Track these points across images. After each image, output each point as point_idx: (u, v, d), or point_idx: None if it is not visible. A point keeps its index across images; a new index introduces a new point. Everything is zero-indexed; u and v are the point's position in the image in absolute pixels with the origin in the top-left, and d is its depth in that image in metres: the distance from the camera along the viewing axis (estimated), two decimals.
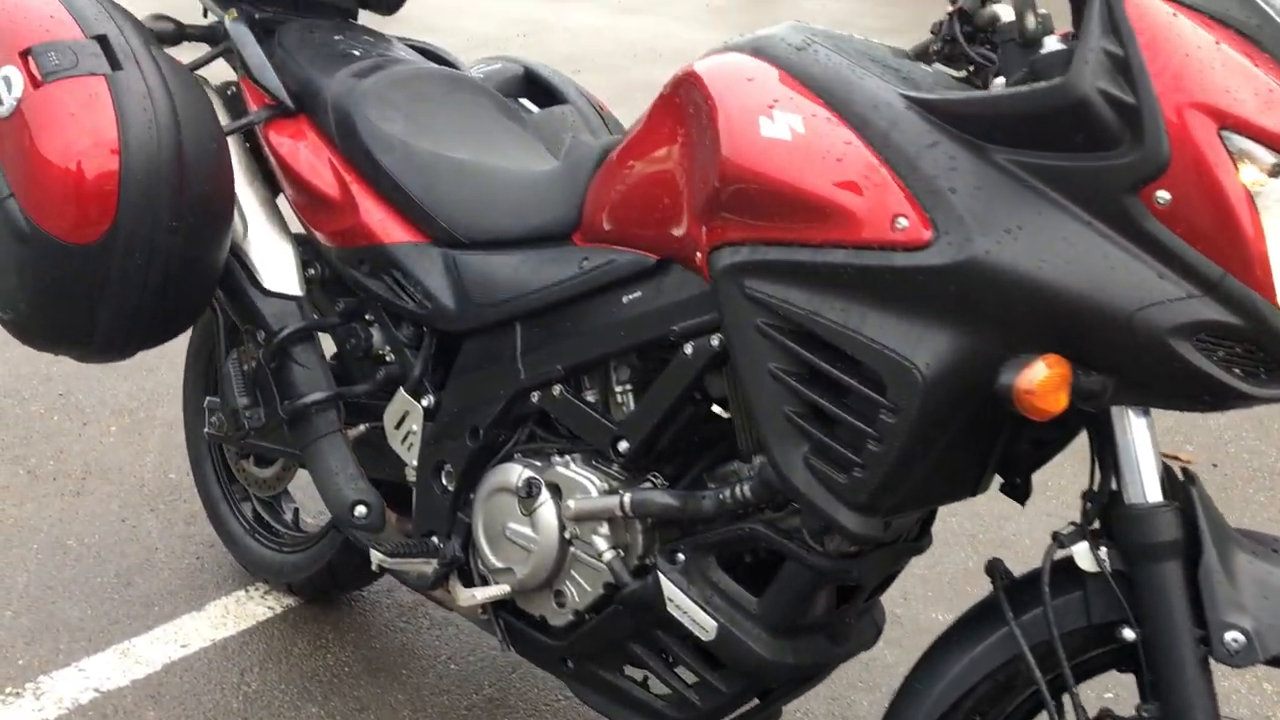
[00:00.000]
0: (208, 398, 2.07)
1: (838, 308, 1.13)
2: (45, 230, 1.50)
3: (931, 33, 1.46)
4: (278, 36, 1.88)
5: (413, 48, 2.04)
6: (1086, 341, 1.03)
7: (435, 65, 1.92)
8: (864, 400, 1.13)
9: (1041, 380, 1.01)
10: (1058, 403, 1.03)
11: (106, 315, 1.56)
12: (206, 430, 2.05)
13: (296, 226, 1.87)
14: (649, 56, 6.74)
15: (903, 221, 1.08)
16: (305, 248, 1.85)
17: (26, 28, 1.54)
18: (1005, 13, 1.34)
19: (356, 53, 1.88)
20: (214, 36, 1.95)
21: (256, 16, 1.90)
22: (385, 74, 1.77)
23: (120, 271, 1.53)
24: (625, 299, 1.42)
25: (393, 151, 1.69)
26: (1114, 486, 1.14)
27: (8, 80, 1.51)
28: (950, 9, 1.41)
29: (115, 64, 1.54)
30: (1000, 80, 1.20)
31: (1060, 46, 1.12)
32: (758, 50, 1.27)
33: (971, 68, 1.39)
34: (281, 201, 1.89)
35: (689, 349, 1.33)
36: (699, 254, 1.28)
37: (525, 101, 2.06)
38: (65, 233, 1.50)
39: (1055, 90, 1.02)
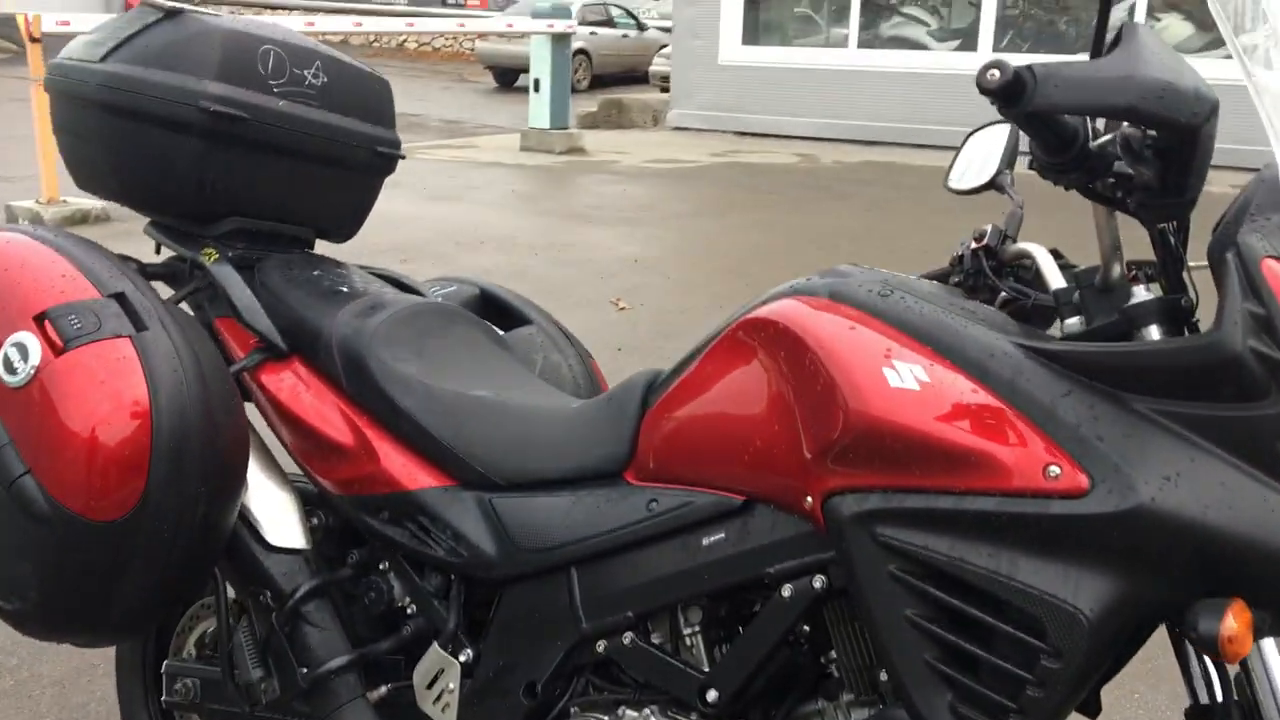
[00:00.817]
0: (165, 662, 1.88)
1: (985, 553, 1.16)
2: (68, 508, 1.36)
3: (950, 264, 1.58)
4: (257, 275, 1.82)
5: (375, 275, 2.01)
6: (1252, 581, 1.10)
7: (424, 299, 1.89)
8: (1019, 645, 1.15)
9: (1239, 627, 1.07)
10: (1247, 645, 1.09)
11: (125, 595, 1.42)
12: (166, 699, 1.86)
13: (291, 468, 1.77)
14: (472, 244, 6.82)
15: (1055, 470, 1.13)
16: (307, 495, 1.75)
17: (38, 289, 1.43)
18: (1037, 252, 1.47)
19: (344, 288, 1.83)
20: (176, 275, 1.87)
21: (229, 254, 1.83)
22: (387, 313, 1.74)
23: (147, 547, 1.40)
24: (705, 541, 1.41)
25: (413, 394, 1.64)
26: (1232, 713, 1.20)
27: (22, 348, 1.39)
28: (974, 245, 1.53)
29: (139, 324, 1.44)
30: (1073, 321, 1.30)
31: (1149, 295, 1.22)
32: (838, 296, 1.34)
33: (975, 286, 1.52)
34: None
35: (787, 591, 1.33)
36: (807, 498, 1.29)
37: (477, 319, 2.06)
38: (92, 509, 1.37)
39: (1205, 348, 1.10)
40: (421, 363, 1.68)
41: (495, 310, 2.10)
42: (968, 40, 11.02)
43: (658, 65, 18.71)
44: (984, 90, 1.07)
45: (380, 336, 1.69)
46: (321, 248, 2.07)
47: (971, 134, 1.79)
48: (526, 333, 2.05)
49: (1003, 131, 1.69)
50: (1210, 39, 9.95)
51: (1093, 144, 1.17)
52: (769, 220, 7.70)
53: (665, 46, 19.87)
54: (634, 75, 20.60)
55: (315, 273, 1.88)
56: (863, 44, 11.55)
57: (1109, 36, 1.14)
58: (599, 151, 11.01)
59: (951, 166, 1.78)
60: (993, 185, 1.67)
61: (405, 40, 24.00)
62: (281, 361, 1.74)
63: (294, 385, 1.71)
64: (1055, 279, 1.42)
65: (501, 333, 2.02)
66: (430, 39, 24.43)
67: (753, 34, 12.23)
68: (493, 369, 1.74)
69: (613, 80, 19.97)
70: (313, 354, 1.73)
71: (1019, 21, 10.86)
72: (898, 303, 1.30)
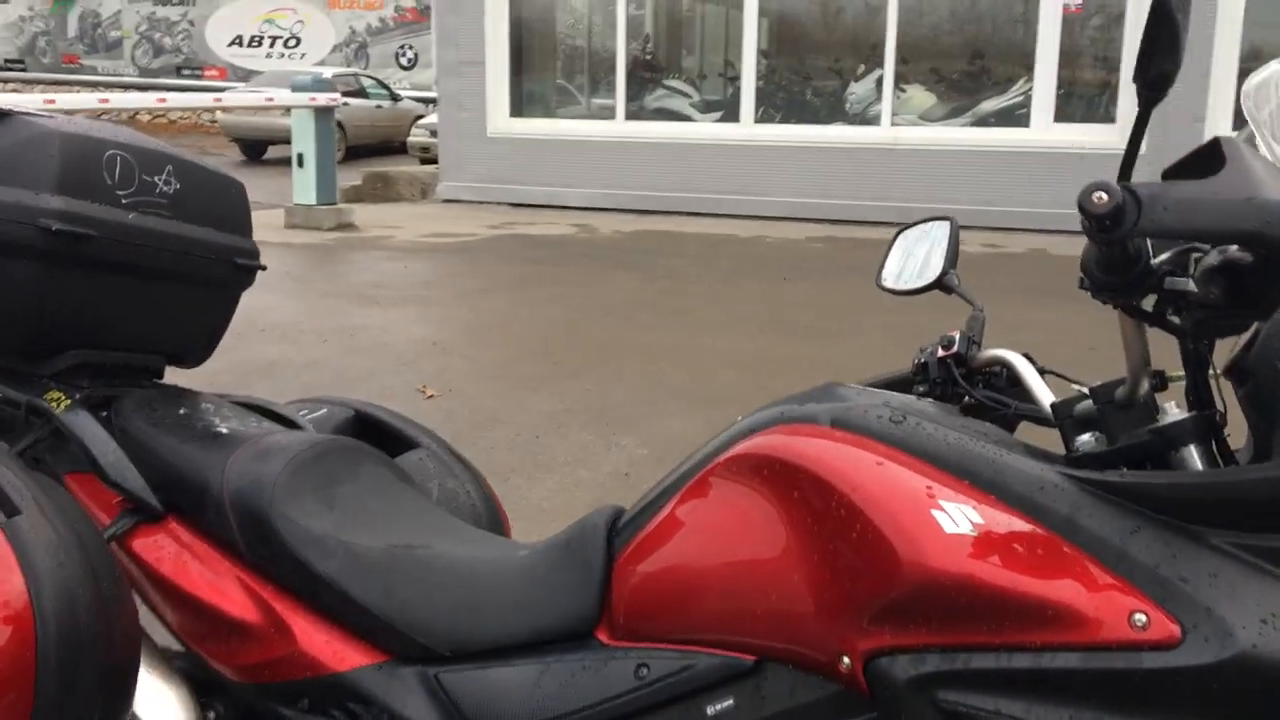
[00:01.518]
0: None
1: (1066, 715, 1.06)
2: None
3: (913, 371, 1.51)
4: (114, 420, 1.54)
5: (239, 405, 1.76)
6: None
7: (320, 436, 1.65)
8: None
9: None
10: None
11: None
12: None
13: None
14: (251, 333, 6.37)
15: (1141, 618, 1.04)
16: (199, 682, 1.47)
17: None
18: (1016, 361, 1.41)
19: (220, 428, 1.57)
20: (9, 423, 1.56)
21: (77, 397, 1.54)
22: (285, 458, 1.49)
23: None
24: (711, 709, 1.25)
25: (332, 555, 1.40)
26: None
27: None
28: (942, 353, 1.46)
29: (8, 507, 1.15)
30: (1087, 439, 1.23)
31: (1181, 414, 1.17)
32: (845, 423, 1.22)
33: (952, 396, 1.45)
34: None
35: None
36: (843, 659, 1.16)
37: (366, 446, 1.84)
38: None
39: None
40: (335, 516, 1.45)
41: (375, 434, 1.88)
42: (729, 111, 11.40)
43: (417, 136, 18.45)
44: (1089, 215, 0.98)
45: (282, 488, 1.45)
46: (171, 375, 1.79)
47: (902, 231, 1.74)
48: (416, 458, 1.85)
49: (941, 229, 1.64)
50: (952, 107, 10.70)
51: (1154, 261, 1.11)
52: (561, 294, 7.61)
53: (422, 117, 19.67)
54: (390, 146, 20.25)
55: (181, 411, 1.61)
56: (630, 115, 11.75)
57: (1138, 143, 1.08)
58: (370, 227, 10.65)
59: (884, 265, 1.72)
60: (940, 286, 1.61)
61: (137, 112, 22.71)
62: (156, 524, 1.47)
63: (177, 553, 1.44)
64: (1042, 391, 1.36)
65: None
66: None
67: (520, 106, 12.23)
68: (415, 515, 1.52)
69: (368, 151, 19.56)
70: (197, 513, 1.46)
71: (773, 94, 11.34)
72: (917, 430, 1.19)
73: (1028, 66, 10.09)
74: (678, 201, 11.18)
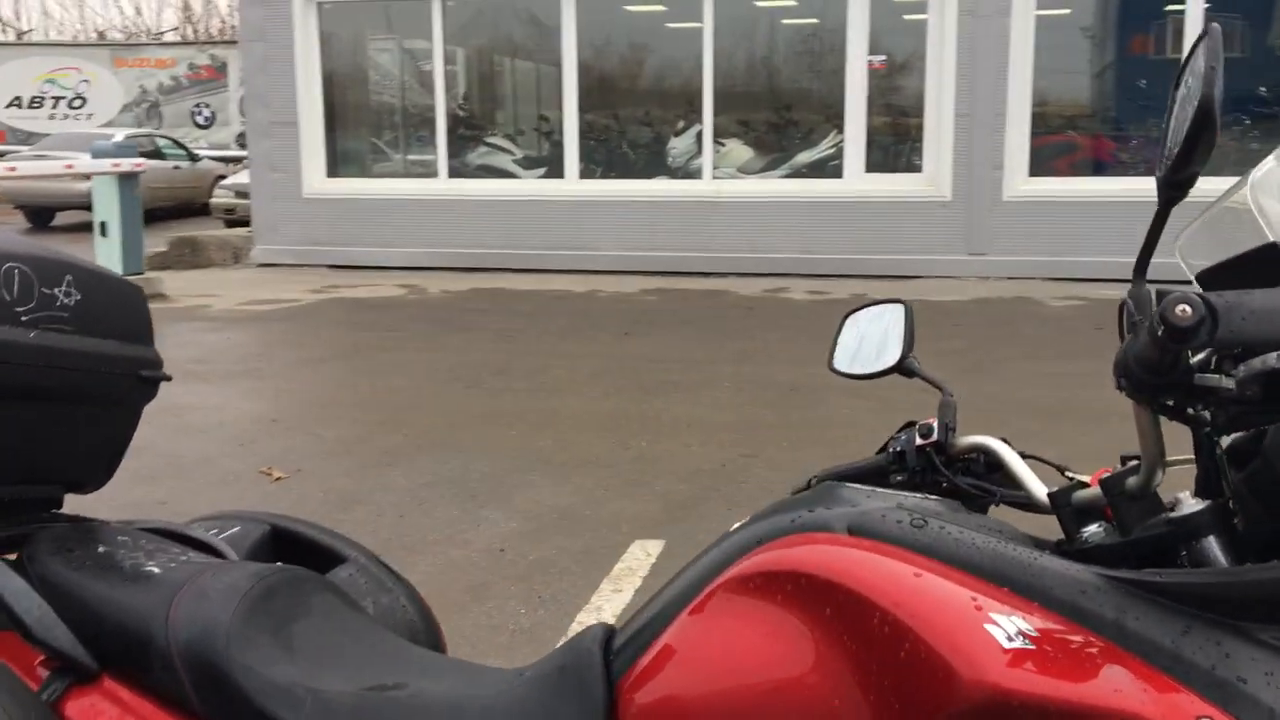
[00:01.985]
0: None
1: None
2: None
3: (887, 460, 1.49)
4: (29, 567, 1.36)
5: (149, 532, 1.59)
6: None
7: (257, 565, 1.50)
8: None
9: None
10: None
11: None
12: None
13: None
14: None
15: None
16: None
17: None
18: (1001, 449, 1.41)
19: (147, 566, 1.41)
20: None
21: None
22: (234, 599, 1.34)
23: None
24: None
25: (302, 707, 1.27)
26: None
27: None
28: (920, 442, 1.45)
29: None
30: (1095, 529, 1.23)
31: (1198, 504, 1.17)
32: (864, 530, 1.18)
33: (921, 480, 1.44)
34: None
35: None
36: None
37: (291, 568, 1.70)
38: None
39: None
40: (298, 660, 1.31)
41: (295, 550, 1.74)
42: (553, 167, 11.42)
43: (220, 197, 17.75)
44: (1175, 328, 0.97)
45: (237, 634, 1.30)
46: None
47: (851, 314, 1.73)
48: (346, 574, 1.71)
49: (894, 313, 1.64)
50: (769, 160, 11.03)
51: (1192, 360, 1.11)
52: (402, 359, 7.39)
53: (224, 177, 18.93)
54: (191, 208, 19.40)
55: (100, 549, 1.44)
56: (453, 173, 11.61)
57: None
58: (184, 296, 10.13)
59: (835, 348, 1.70)
60: (900, 370, 1.60)
61: None
62: (91, 684, 1.29)
63: (119, 717, 1.27)
64: (1030, 478, 1.36)
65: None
66: None
67: (336, 165, 11.92)
68: (382, 651, 1.39)
69: (166, 215, 18.65)
70: (138, 668, 1.29)
71: (596, 149, 11.43)
72: (943, 536, 1.16)
73: (839, 120, 10.51)
74: (506, 258, 11.09)
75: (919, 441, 1.44)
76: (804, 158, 10.84)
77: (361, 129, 12.13)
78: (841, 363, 1.66)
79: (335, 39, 11.81)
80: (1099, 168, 10.20)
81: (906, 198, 10.22)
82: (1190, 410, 1.13)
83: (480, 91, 12.38)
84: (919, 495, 1.27)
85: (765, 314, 8.85)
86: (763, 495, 4.61)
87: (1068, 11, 10.21)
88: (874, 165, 10.47)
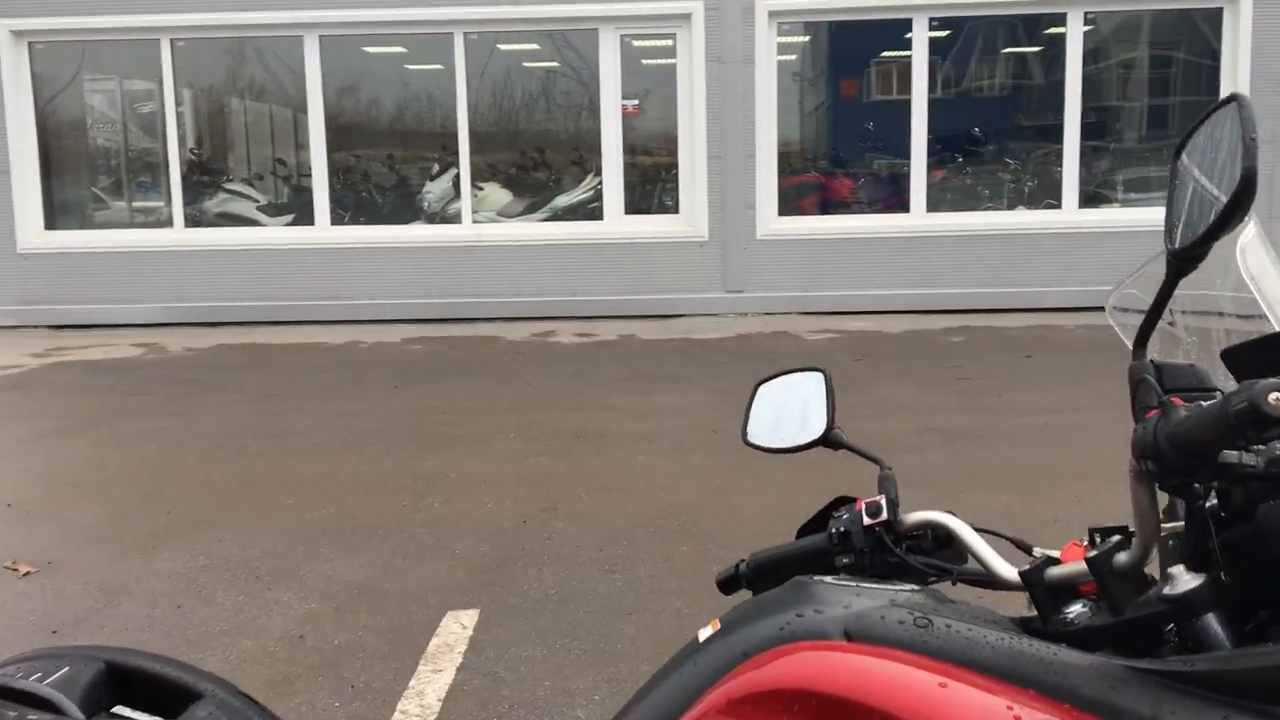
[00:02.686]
0: None
1: None
2: None
3: (830, 541, 1.40)
4: None
5: None
6: None
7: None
8: None
9: None
10: None
11: None
12: None
13: None
14: None
15: None
16: None
17: None
18: (956, 525, 1.35)
19: None
20: None
21: None
22: None
23: None
24: None
25: None
26: None
27: None
28: (869, 521, 1.37)
29: None
30: (1079, 609, 1.18)
31: (1194, 579, 1.13)
32: (865, 634, 1.08)
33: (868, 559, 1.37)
34: None
35: None
36: None
37: (138, 716, 1.45)
38: None
39: None
40: None
41: (139, 688, 1.47)
42: (302, 214, 10.91)
43: None
44: (1265, 418, 0.91)
45: None
46: None
47: (763, 382, 1.64)
48: (204, 714, 1.46)
49: (814, 381, 1.57)
50: (529, 203, 10.96)
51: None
52: (150, 427, 6.78)
53: None
54: None
55: None
56: (190, 221, 10.88)
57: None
58: None
59: (748, 420, 1.61)
60: (826, 442, 1.53)
61: None
62: None
63: None
64: (990, 555, 1.31)
65: None
66: None
67: (54, 217, 10.92)
68: None
69: None
70: None
71: (347, 195, 11.01)
72: (952, 635, 1.08)
73: (596, 163, 10.59)
74: (255, 311, 10.48)
75: (867, 521, 1.36)
76: (563, 200, 10.84)
77: (82, 176, 11.19)
78: (759, 436, 1.56)
79: (50, 79, 10.86)
80: (840, 206, 10.74)
81: (666, 238, 10.40)
82: (1197, 484, 1.09)
83: (215, 136, 11.68)
84: (908, 588, 1.18)
85: (538, 359, 8.74)
86: (571, 551, 4.48)
87: (797, 57, 10.74)
88: (633, 207, 10.60)
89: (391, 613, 3.93)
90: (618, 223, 10.54)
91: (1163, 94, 10.76)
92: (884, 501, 1.36)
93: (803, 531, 1.53)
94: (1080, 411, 6.53)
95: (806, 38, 10.66)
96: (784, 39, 10.42)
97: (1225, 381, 1.17)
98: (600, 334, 9.69)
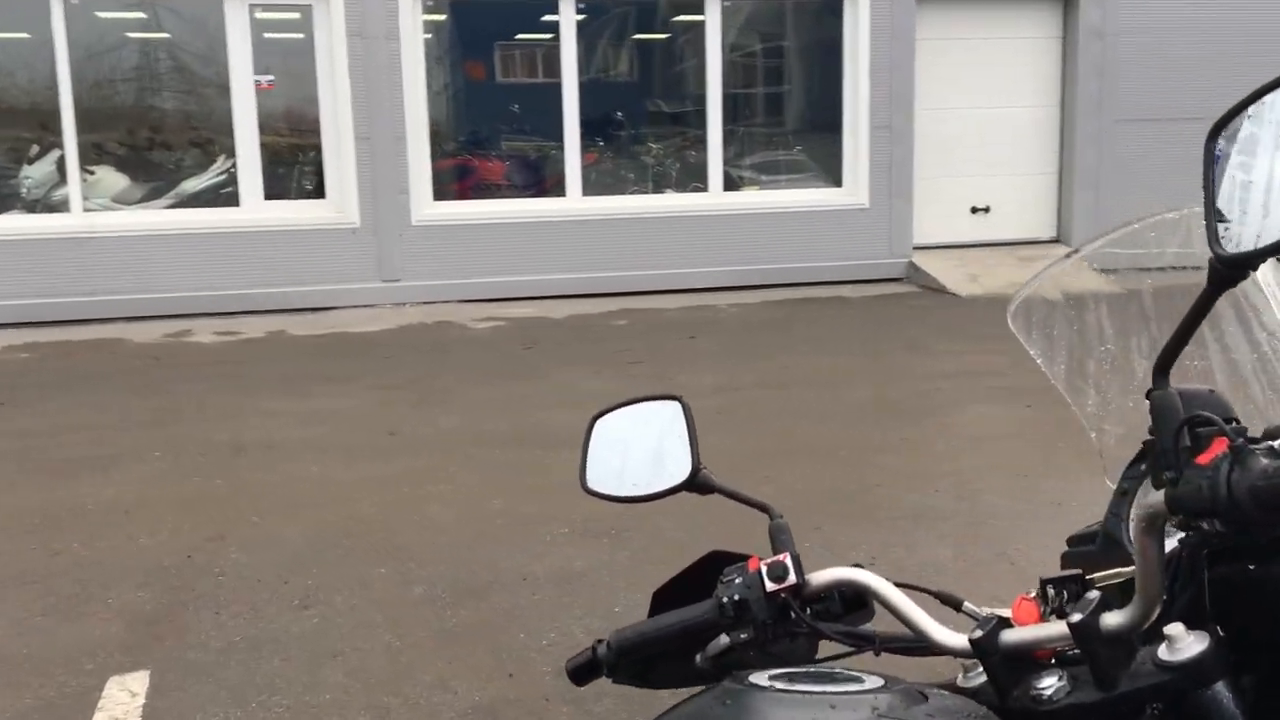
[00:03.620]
0: None
1: None
2: None
3: (719, 611, 1.14)
4: None
5: None
6: None
7: None
8: None
9: None
10: None
11: None
12: None
13: None
14: None
15: None
16: None
17: None
18: (877, 584, 1.13)
19: None
20: None
21: None
22: None
23: None
24: None
25: None
26: None
27: None
28: (774, 587, 1.13)
29: None
30: (1055, 680, 0.99)
31: (1201, 642, 0.95)
32: None
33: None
34: None
35: None
36: None
37: None
38: None
39: None
40: None
41: None
42: None
43: None
44: None
45: None
46: None
47: (601, 417, 1.35)
48: None
49: (670, 412, 1.30)
50: (150, 188, 9.85)
51: None
52: None
53: None
54: None
55: None
56: None
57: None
58: None
59: (586, 462, 1.32)
60: (694, 486, 1.27)
61: None
62: None
63: None
64: (921, 617, 1.10)
65: None
66: None
67: None
68: None
69: None
70: None
71: None
72: None
73: (229, 144, 9.67)
74: None
75: (771, 586, 1.11)
76: (192, 185, 9.82)
77: None
78: (603, 482, 1.28)
79: None
80: (495, 190, 10.49)
81: (313, 225, 9.69)
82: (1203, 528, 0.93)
83: None
84: (874, 685, 0.94)
85: (175, 363, 7.84)
86: (251, 587, 3.94)
87: (442, 35, 10.36)
88: (272, 192, 9.79)
89: (37, 687, 3.26)
90: (256, 209, 9.70)
91: (791, 80, 11.36)
92: (789, 561, 1.12)
93: (663, 597, 1.27)
94: (747, 390, 6.70)
95: (444, 16, 10.28)
96: (429, 17, 9.99)
97: (1245, 406, 1.03)
98: (245, 331, 8.87)
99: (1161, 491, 0.89)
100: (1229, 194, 0.80)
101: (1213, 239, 0.80)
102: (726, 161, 10.64)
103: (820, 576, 1.13)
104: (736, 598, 1.12)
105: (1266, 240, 0.76)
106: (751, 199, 10.68)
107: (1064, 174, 11.14)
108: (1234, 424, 0.86)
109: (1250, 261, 0.79)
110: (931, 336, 8.17)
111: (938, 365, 7.27)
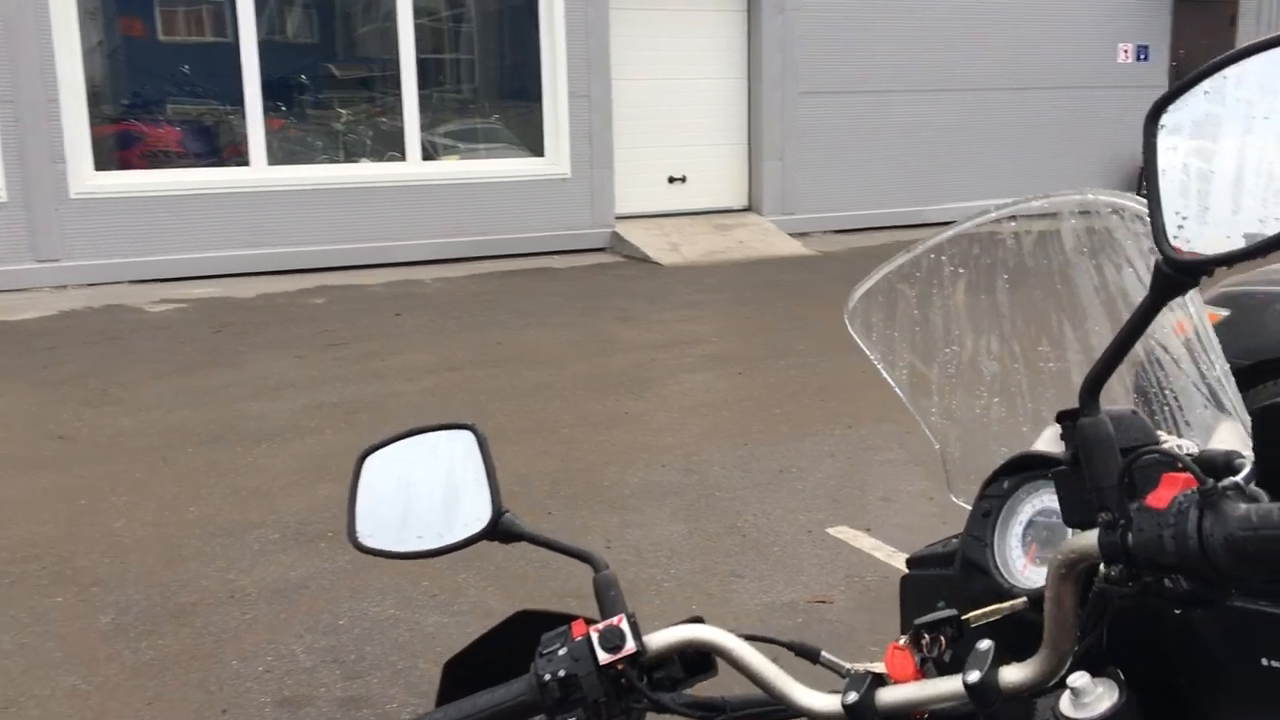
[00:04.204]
0: None
1: None
2: None
3: (544, 699, 0.93)
4: None
5: None
6: None
7: None
8: None
9: None
10: None
11: None
12: None
13: None
14: None
15: None
16: None
17: None
18: (706, 633, 0.96)
19: None
20: None
21: None
22: None
23: None
24: None
25: None
26: None
27: None
28: (608, 658, 0.94)
29: None
30: None
31: (1112, 694, 0.84)
32: None
33: None
34: None
35: None
36: None
37: None
38: None
39: None
40: None
41: None
42: None
43: None
44: None
45: None
46: None
47: (370, 454, 1.09)
48: None
49: (459, 444, 1.07)
50: None
51: None
52: None
53: None
54: None
55: None
56: None
57: None
58: None
59: (354, 512, 1.07)
60: (497, 535, 1.04)
61: None
62: None
63: None
64: (781, 679, 0.94)
65: None
66: None
67: None
68: None
69: None
70: None
71: None
72: None
73: None
74: None
75: (605, 657, 0.92)
76: None
77: None
78: (380, 535, 1.03)
79: None
80: (169, 159, 9.58)
81: None
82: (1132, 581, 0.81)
83: None
84: None
85: None
86: None
87: None
88: None
89: None
90: None
91: (487, 45, 11.07)
92: (625, 626, 0.93)
93: (459, 669, 1.04)
94: (461, 369, 6.45)
95: None
96: None
97: (1172, 428, 0.92)
98: None
99: (1090, 535, 0.76)
100: (1182, 186, 0.67)
101: (1160, 238, 0.67)
102: (423, 129, 10.23)
103: (660, 639, 0.95)
104: (562, 674, 0.92)
105: (1237, 242, 0.64)
106: (451, 169, 10.34)
107: (753, 144, 11.52)
108: (1189, 456, 0.74)
109: (1207, 267, 0.66)
110: (640, 306, 8.21)
111: (650, 335, 7.29)
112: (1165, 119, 0.68)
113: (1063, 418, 0.79)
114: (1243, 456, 0.76)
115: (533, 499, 4.34)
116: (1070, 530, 0.83)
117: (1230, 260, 0.65)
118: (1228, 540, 0.67)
